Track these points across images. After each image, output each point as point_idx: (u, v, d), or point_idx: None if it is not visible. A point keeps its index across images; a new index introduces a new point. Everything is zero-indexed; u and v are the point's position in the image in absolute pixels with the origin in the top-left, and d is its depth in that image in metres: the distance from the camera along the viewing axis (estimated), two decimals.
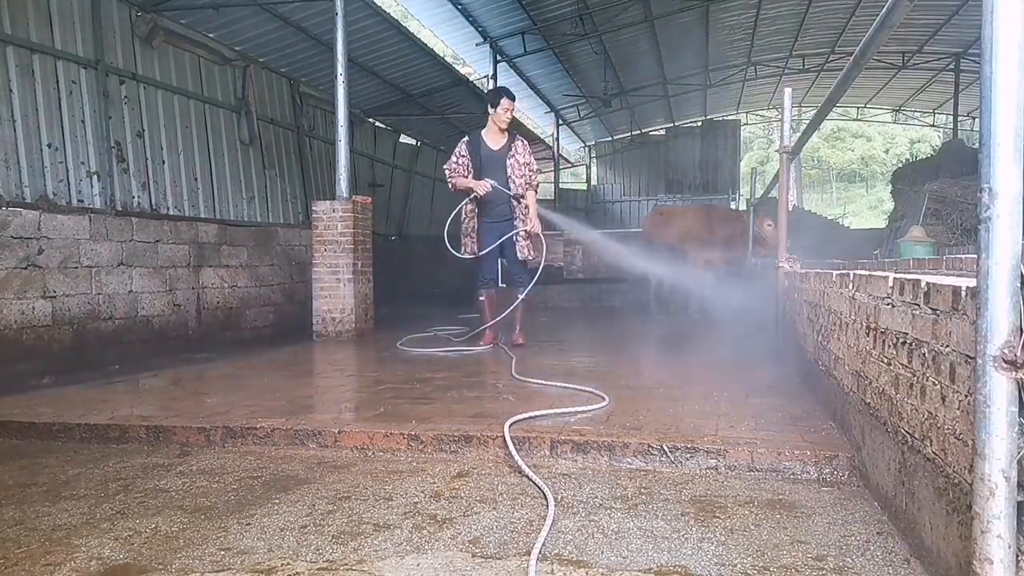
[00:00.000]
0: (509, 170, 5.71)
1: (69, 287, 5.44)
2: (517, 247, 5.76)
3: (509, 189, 5.70)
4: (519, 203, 5.75)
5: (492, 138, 5.75)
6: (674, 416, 3.11)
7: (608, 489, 2.40)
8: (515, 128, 6.12)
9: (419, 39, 10.72)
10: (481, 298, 5.89)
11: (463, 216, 5.85)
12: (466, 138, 5.84)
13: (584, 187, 22.33)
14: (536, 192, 5.92)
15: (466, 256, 5.81)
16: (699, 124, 20.71)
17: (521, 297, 5.86)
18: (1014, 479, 1.28)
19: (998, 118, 1.29)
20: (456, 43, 12.85)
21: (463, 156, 5.73)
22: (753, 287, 7.50)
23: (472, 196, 5.72)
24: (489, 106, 5.78)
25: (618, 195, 21.55)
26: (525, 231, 5.73)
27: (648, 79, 17.55)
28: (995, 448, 1.28)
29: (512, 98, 5.81)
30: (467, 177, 5.70)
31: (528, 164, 5.80)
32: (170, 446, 3.13)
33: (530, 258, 5.83)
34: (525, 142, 5.88)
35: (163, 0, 7.16)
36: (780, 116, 4.79)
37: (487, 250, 5.75)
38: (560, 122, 18.75)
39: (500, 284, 5.88)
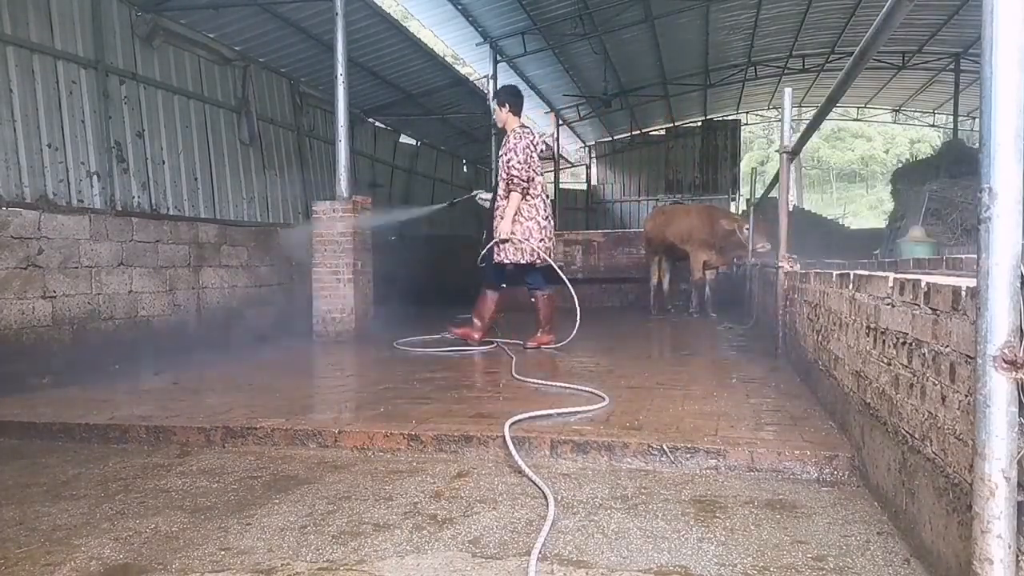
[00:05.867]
0: (500, 171, 5.71)
1: (69, 287, 5.44)
2: (494, 250, 5.69)
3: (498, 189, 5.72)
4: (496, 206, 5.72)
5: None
6: (674, 416, 3.11)
7: (608, 489, 2.40)
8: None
9: (419, 39, 10.71)
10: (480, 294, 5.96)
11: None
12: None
13: (584, 187, 22.33)
14: (524, 188, 5.53)
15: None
16: (699, 124, 20.70)
17: (540, 296, 5.76)
18: (1014, 479, 1.28)
19: (998, 118, 1.29)
20: (456, 43, 12.84)
21: None
22: (752, 288, 7.51)
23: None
24: None
25: (618, 195, 21.55)
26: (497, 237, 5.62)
27: (648, 79, 17.54)
28: (995, 448, 1.28)
29: (500, 102, 5.78)
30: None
31: (504, 155, 5.61)
32: (170, 446, 3.13)
33: (505, 261, 5.64)
34: (519, 131, 5.64)
35: (163, 0, 7.16)
36: (780, 116, 4.79)
37: (485, 250, 5.82)
38: (560, 122, 18.75)
39: (501, 286, 5.84)
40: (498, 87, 6.40)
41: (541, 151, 5.72)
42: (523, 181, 5.51)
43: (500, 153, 5.71)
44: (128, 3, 6.86)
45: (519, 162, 5.50)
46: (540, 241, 5.64)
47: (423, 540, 2.00)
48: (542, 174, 5.78)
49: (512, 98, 5.80)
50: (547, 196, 5.82)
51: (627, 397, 3.57)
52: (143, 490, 2.53)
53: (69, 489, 2.57)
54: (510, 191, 5.55)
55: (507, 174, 5.55)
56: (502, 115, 5.79)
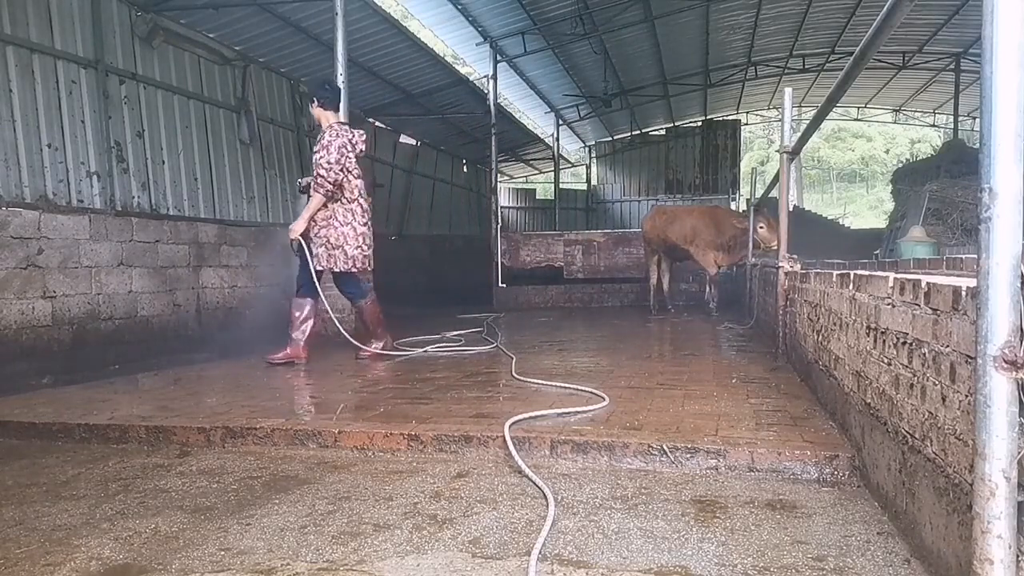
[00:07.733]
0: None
1: (69, 287, 5.44)
2: (309, 256, 5.32)
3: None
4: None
5: None
6: (674, 416, 3.11)
7: (608, 489, 2.40)
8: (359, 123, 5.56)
9: (419, 39, 10.71)
10: None
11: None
12: None
13: (584, 187, 22.33)
14: (329, 191, 5.15)
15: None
16: (699, 124, 20.70)
17: (357, 306, 5.54)
18: (1014, 479, 1.28)
19: (998, 118, 1.29)
20: (456, 43, 12.85)
21: None
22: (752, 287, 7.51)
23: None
24: None
25: (618, 195, 21.55)
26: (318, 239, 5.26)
27: (648, 79, 17.54)
28: (995, 448, 1.28)
29: (310, 97, 5.38)
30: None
31: (315, 152, 5.16)
32: (170, 446, 3.13)
33: (319, 267, 5.31)
34: (336, 128, 5.23)
35: (163, 0, 7.16)
36: (780, 116, 4.79)
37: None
38: (560, 122, 18.75)
39: (305, 296, 5.43)
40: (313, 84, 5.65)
41: (360, 152, 5.29)
42: (328, 183, 5.10)
43: (314, 150, 5.24)
44: (128, 3, 6.86)
45: (328, 162, 5.09)
46: (357, 248, 5.31)
47: (423, 540, 2.00)
48: (360, 177, 5.34)
49: (324, 91, 5.34)
50: (366, 200, 5.41)
51: (627, 397, 3.57)
52: (143, 490, 2.53)
53: (69, 489, 2.57)
54: (315, 191, 5.16)
55: (315, 173, 5.14)
56: (315, 110, 5.32)
